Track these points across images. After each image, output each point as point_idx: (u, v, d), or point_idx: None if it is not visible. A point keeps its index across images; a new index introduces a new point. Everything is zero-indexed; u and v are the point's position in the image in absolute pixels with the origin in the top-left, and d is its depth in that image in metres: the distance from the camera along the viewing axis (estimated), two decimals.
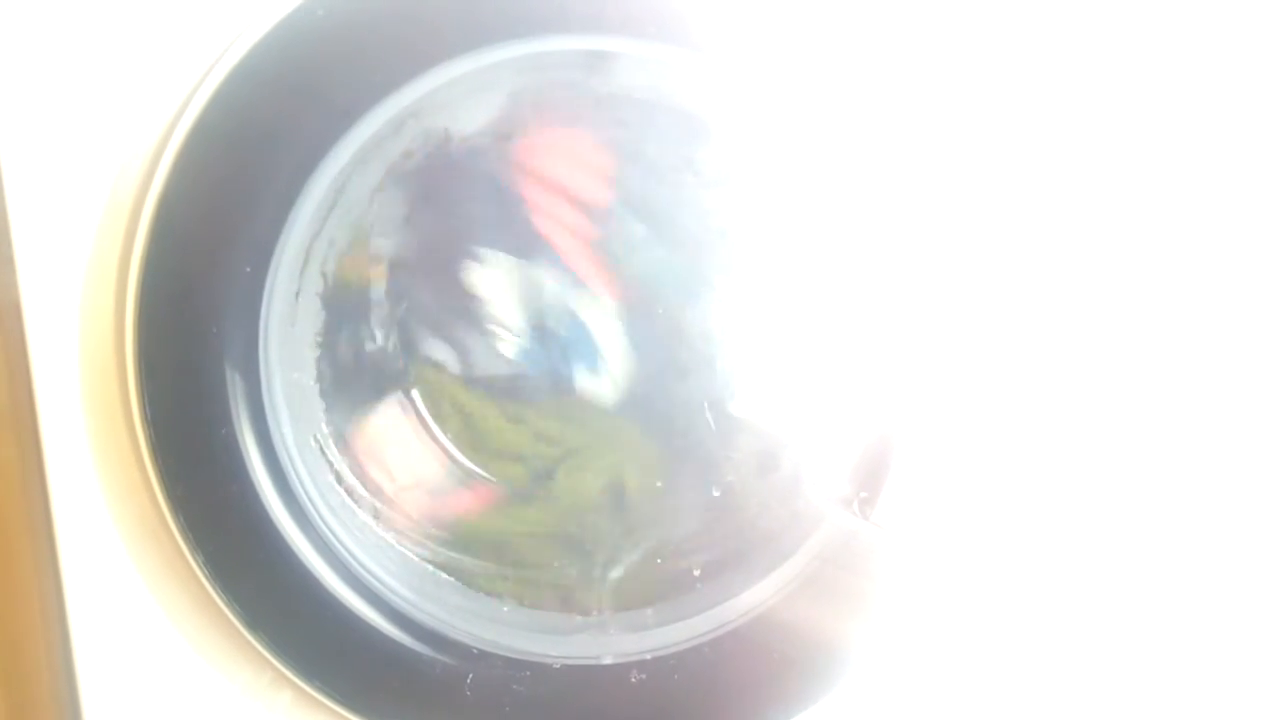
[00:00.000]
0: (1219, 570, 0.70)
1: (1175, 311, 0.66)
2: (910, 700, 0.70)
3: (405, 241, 0.67)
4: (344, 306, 0.66)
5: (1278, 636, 0.71)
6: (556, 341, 0.68)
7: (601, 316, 0.68)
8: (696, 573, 0.68)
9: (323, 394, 0.66)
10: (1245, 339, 0.66)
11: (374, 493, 0.68)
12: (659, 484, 0.69)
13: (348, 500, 0.67)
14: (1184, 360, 0.66)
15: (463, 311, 0.67)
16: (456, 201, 0.67)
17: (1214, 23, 0.62)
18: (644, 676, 0.65)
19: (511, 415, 0.69)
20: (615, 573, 0.69)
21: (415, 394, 0.69)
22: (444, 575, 0.68)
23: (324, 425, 0.66)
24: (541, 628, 0.67)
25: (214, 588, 0.62)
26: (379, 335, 0.67)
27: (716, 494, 0.69)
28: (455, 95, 0.61)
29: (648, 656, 0.66)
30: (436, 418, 0.69)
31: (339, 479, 0.66)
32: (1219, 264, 0.65)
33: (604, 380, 0.68)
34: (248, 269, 0.60)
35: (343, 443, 0.67)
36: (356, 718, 0.65)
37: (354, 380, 0.67)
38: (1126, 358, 0.66)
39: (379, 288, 0.67)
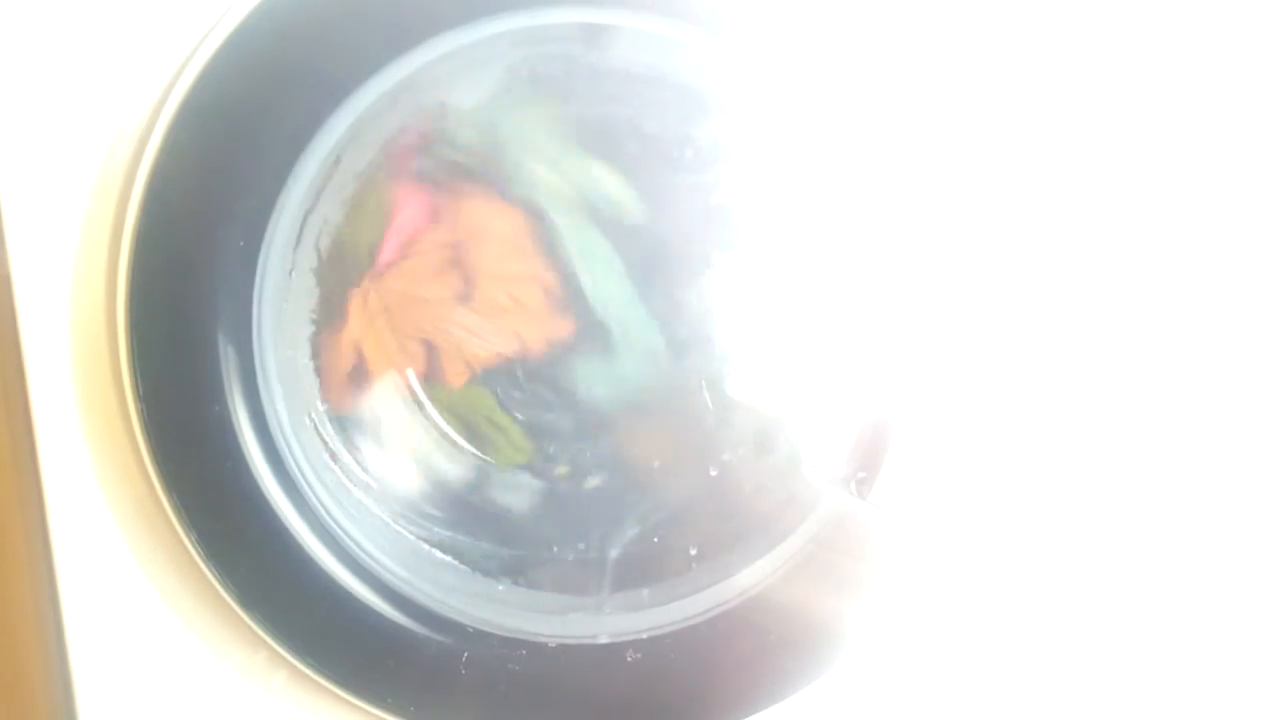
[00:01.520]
0: (1205, 551, 0.70)
1: (1171, 297, 0.65)
2: (905, 682, 0.70)
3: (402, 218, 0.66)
4: (339, 283, 0.65)
5: (1278, 636, 0.71)
6: (554, 321, 0.68)
7: (598, 294, 0.67)
8: (693, 552, 0.68)
9: (317, 371, 0.66)
10: (1243, 334, 0.66)
11: (369, 470, 0.67)
12: (656, 463, 0.69)
13: (343, 478, 0.66)
14: (1178, 345, 0.66)
15: (460, 291, 0.67)
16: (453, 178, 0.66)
17: (1214, 23, 0.62)
18: (640, 656, 0.65)
19: (508, 394, 0.69)
20: (611, 552, 0.69)
21: (410, 372, 0.69)
22: (439, 554, 0.68)
23: (318, 403, 0.66)
24: (537, 607, 0.67)
25: (208, 567, 0.62)
26: (375, 315, 0.67)
27: (714, 474, 0.69)
28: (451, 69, 0.60)
29: (644, 636, 0.66)
30: (431, 396, 0.69)
31: (334, 457, 0.66)
32: (1219, 259, 0.65)
33: (601, 357, 0.68)
34: (241, 244, 0.59)
35: (337, 421, 0.67)
36: (351, 697, 0.65)
37: (348, 358, 0.67)
38: (1124, 339, 0.66)
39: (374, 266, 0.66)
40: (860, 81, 0.59)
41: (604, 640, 0.66)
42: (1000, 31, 0.60)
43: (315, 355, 0.65)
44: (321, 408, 0.66)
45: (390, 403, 0.69)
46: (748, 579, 0.66)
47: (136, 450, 0.61)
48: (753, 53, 0.60)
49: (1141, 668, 0.71)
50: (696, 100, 0.63)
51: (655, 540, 0.69)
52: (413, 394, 0.69)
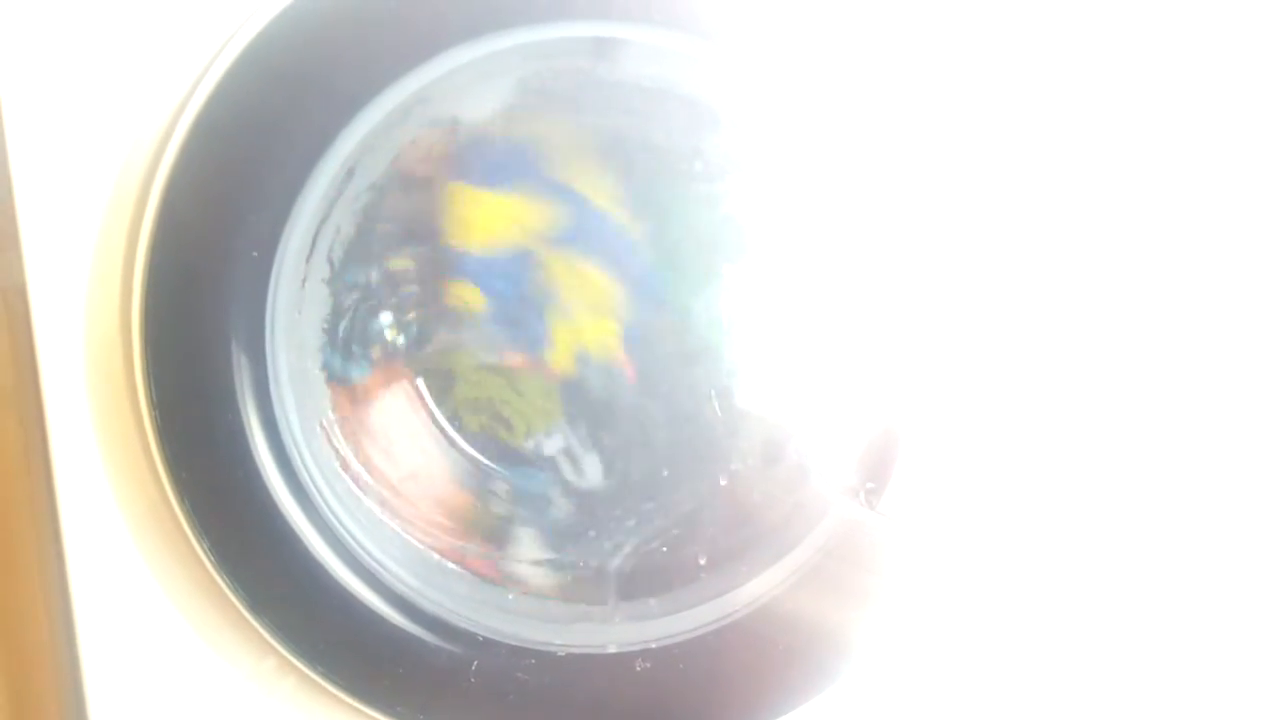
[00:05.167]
0: (1217, 563, 0.69)
1: (1174, 305, 0.65)
2: (913, 693, 0.69)
3: (412, 230, 0.67)
4: (351, 293, 0.66)
5: (1278, 636, 0.71)
6: (563, 329, 0.68)
7: (609, 306, 0.67)
8: (702, 561, 0.68)
9: (329, 380, 0.66)
10: (1245, 337, 0.66)
11: (379, 480, 0.68)
12: (665, 472, 0.69)
13: (353, 487, 0.66)
14: (1184, 354, 0.66)
15: (468, 299, 0.67)
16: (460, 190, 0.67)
17: (1214, 23, 0.62)
18: (648, 665, 0.65)
19: (517, 403, 0.69)
20: (620, 561, 0.69)
21: (420, 381, 0.69)
22: (449, 563, 0.68)
23: (330, 411, 0.66)
24: (546, 616, 0.67)
25: (218, 572, 0.62)
26: (385, 322, 0.67)
27: (723, 483, 0.69)
28: (462, 82, 0.61)
29: (652, 645, 0.65)
30: (442, 405, 0.69)
31: (344, 465, 0.66)
32: (1219, 262, 0.65)
33: (612, 369, 0.68)
34: (254, 254, 0.60)
35: (348, 429, 0.67)
36: (360, 704, 0.65)
37: (360, 367, 0.67)
38: (1131, 350, 0.66)
39: (386, 275, 0.67)
40: (867, 93, 0.60)
41: (613, 650, 0.66)
42: (1004, 43, 0.61)
43: (327, 364, 0.66)
44: (332, 415, 0.66)
45: (401, 411, 0.69)
46: (756, 589, 0.66)
47: (150, 457, 0.61)
48: (761, 65, 0.60)
49: (1150, 674, 0.71)
50: (705, 113, 0.64)
51: (664, 550, 0.69)
52: (423, 402, 0.69)
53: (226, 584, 0.62)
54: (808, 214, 0.65)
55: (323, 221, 0.63)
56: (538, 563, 0.70)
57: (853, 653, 0.66)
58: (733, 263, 0.67)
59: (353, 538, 0.64)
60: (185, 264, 0.60)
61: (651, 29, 0.59)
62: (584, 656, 0.66)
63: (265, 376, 0.61)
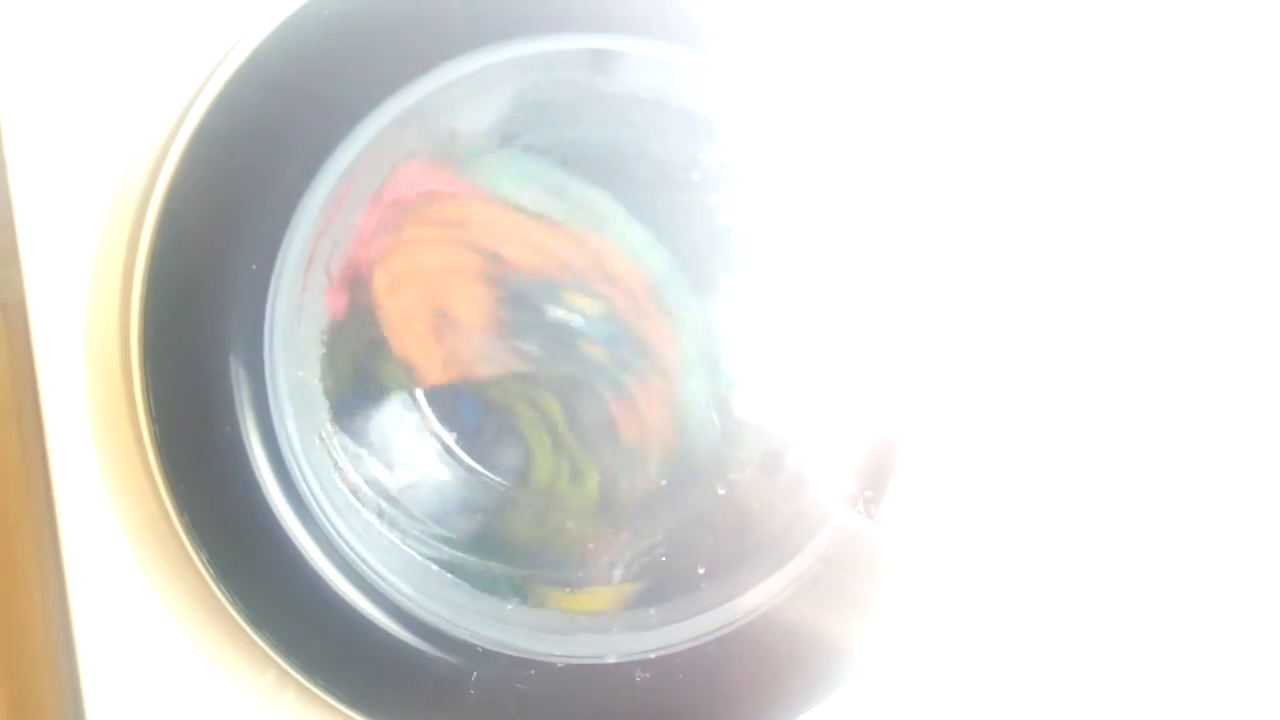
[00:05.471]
0: (1219, 570, 0.70)
1: (1176, 311, 0.66)
2: (913, 701, 0.69)
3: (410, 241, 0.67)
4: (349, 305, 0.66)
5: (1278, 636, 0.71)
6: (563, 338, 0.68)
7: (607, 314, 0.68)
8: (701, 571, 0.68)
9: (327, 392, 0.66)
10: (1245, 339, 0.66)
11: (378, 491, 0.68)
12: (663, 482, 0.69)
13: (352, 499, 0.67)
14: (1184, 360, 0.66)
15: (469, 310, 0.67)
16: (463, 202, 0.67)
17: (1214, 23, 0.62)
18: (648, 676, 0.65)
19: (517, 413, 0.69)
20: (619, 571, 0.69)
21: (419, 393, 0.69)
22: (448, 574, 0.68)
23: (328, 423, 0.66)
24: (546, 627, 0.67)
25: (218, 585, 0.62)
26: (385, 333, 0.67)
27: (721, 493, 0.69)
28: (460, 94, 0.61)
29: (652, 656, 0.65)
30: (440, 416, 0.69)
31: (343, 477, 0.66)
32: (1219, 264, 0.65)
33: (610, 378, 0.68)
34: (253, 267, 0.60)
35: (347, 440, 0.67)
36: (360, 716, 0.65)
37: (359, 378, 0.67)
38: (1130, 357, 0.66)
39: (384, 287, 0.67)
40: (863, 103, 0.60)
41: (612, 660, 0.66)
42: (999, 50, 0.61)
43: (325, 376, 0.66)
44: (331, 427, 0.66)
45: (398, 422, 0.69)
46: (755, 598, 0.66)
47: (148, 469, 0.61)
48: (757, 77, 0.60)
49: (1150, 676, 0.71)
50: (702, 124, 0.64)
51: (663, 559, 0.69)
52: (421, 413, 0.69)
53: (225, 596, 0.62)
54: (805, 224, 0.66)
55: (321, 233, 0.63)
56: (535, 573, 0.70)
57: (852, 662, 0.66)
58: (730, 273, 0.67)
59: (351, 549, 0.64)
60: (184, 276, 0.60)
61: (649, 41, 0.60)
62: (583, 667, 0.66)
63: (264, 388, 0.61)
